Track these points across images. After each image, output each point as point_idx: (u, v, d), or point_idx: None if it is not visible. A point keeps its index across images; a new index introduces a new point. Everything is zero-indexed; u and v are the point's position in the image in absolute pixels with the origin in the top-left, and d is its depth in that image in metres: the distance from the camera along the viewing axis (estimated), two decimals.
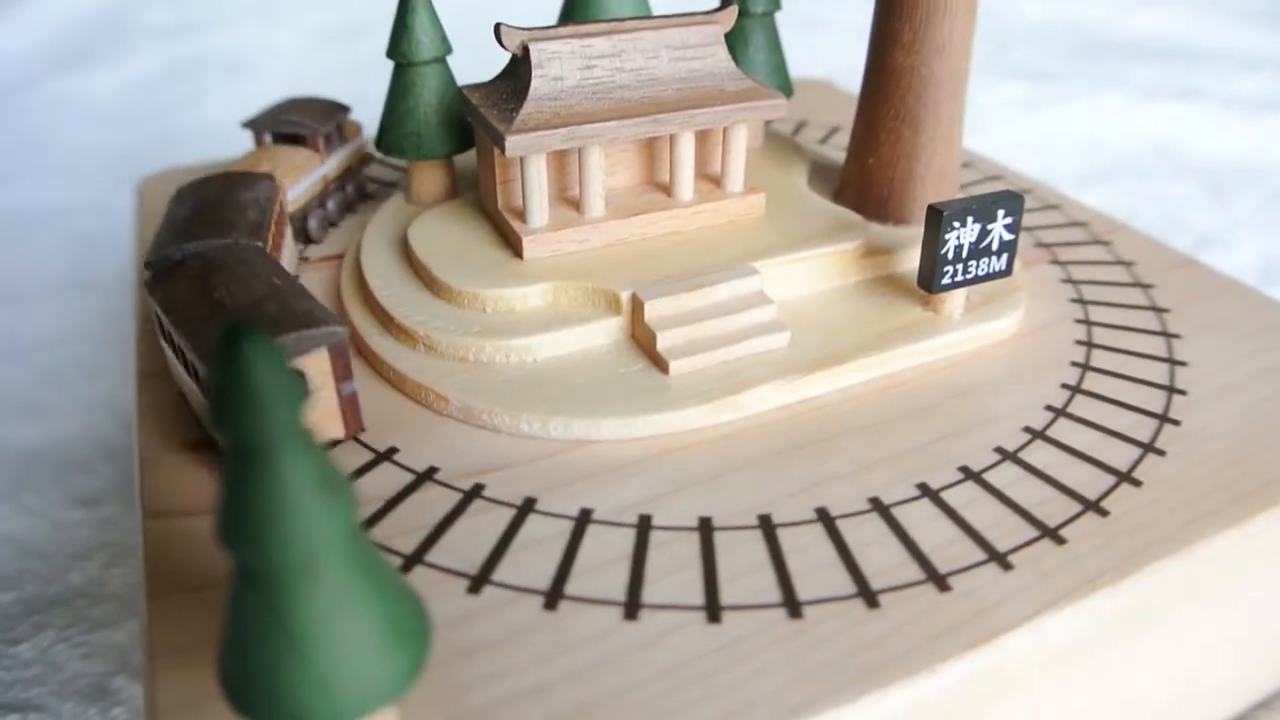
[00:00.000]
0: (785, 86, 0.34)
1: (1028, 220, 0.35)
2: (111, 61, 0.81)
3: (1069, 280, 0.31)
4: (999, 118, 0.67)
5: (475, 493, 0.22)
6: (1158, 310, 0.30)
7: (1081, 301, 0.30)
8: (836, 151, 0.36)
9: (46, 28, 0.87)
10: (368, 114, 0.57)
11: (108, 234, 0.57)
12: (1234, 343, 0.28)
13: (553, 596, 0.19)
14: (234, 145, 0.69)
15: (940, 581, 0.19)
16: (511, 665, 0.18)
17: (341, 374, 0.22)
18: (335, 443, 0.23)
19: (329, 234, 0.33)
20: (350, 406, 0.23)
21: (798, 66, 0.73)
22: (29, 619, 0.32)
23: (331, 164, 0.32)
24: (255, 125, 0.32)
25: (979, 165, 0.40)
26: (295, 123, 0.31)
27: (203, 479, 0.22)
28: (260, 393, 0.13)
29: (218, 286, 0.22)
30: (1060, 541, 0.21)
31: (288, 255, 0.28)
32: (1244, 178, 0.58)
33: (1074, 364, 0.27)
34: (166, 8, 0.92)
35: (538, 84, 0.25)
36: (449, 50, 0.29)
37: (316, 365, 0.21)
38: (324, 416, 0.22)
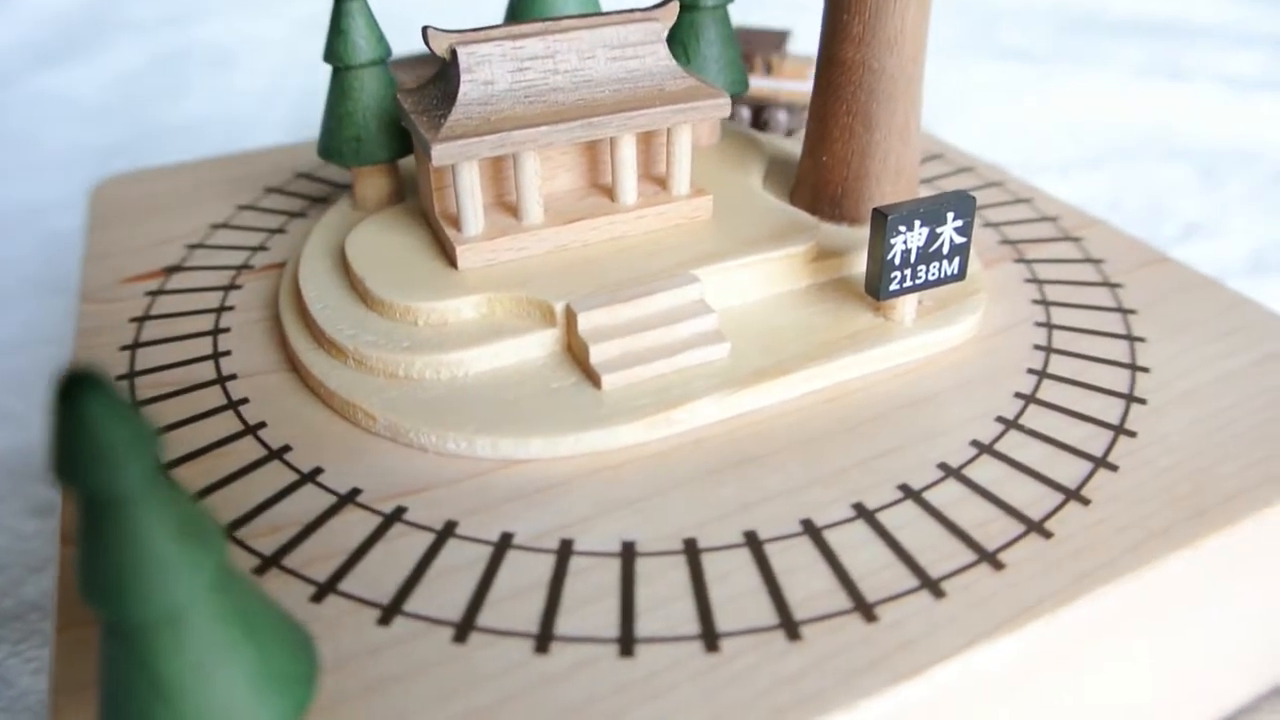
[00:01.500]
0: (740, 81, 0.33)
1: (994, 216, 0.34)
2: (92, 56, 0.81)
3: (1033, 280, 0.30)
4: (982, 100, 0.65)
5: (396, 516, 0.21)
6: (1123, 311, 0.29)
7: (1044, 303, 0.29)
8: (797, 144, 0.35)
9: (27, 22, 0.86)
10: None
11: (79, 234, 0.56)
12: (1199, 345, 0.27)
13: (464, 628, 0.19)
14: (215, 140, 0.68)
15: (867, 611, 0.19)
16: (417, 701, 0.17)
17: None
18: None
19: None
20: None
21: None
22: None
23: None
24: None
25: (950, 156, 0.39)
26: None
27: None
28: (107, 445, 0.12)
29: None
30: (998, 566, 0.20)
31: None
32: (1236, 161, 0.57)
33: (1030, 371, 0.26)
34: (145, 1, 0.91)
35: (466, 89, 0.24)
36: (388, 52, 0.29)
37: None
38: None
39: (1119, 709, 0.23)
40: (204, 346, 0.27)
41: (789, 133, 0.39)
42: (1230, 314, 0.29)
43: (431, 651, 0.18)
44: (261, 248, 0.32)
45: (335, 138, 0.29)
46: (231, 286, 0.30)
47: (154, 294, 0.30)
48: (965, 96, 0.65)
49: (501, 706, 0.17)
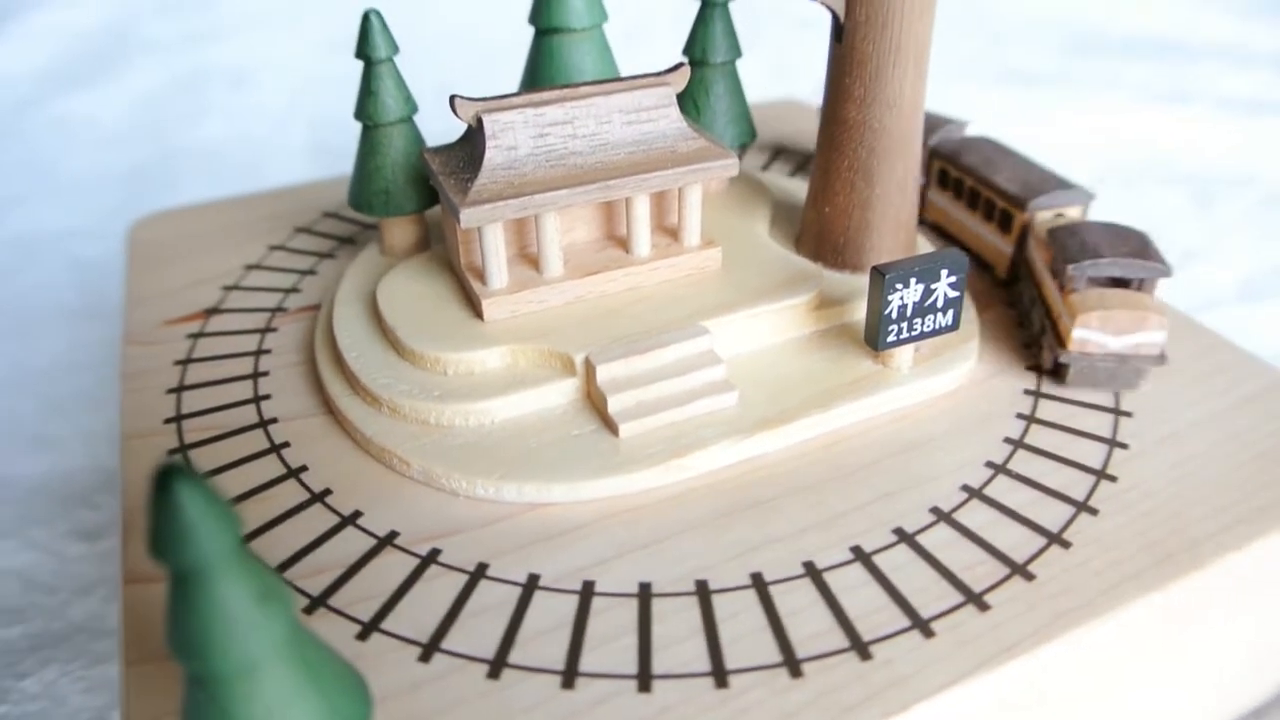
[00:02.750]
0: (747, 133, 0.34)
1: None
2: (112, 79, 0.83)
3: (1024, 324, 0.32)
4: (990, 126, 0.67)
5: (431, 558, 0.23)
6: None
7: (1035, 346, 0.31)
8: (805, 185, 0.37)
9: (48, 44, 0.88)
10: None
11: (108, 261, 0.58)
12: (1181, 388, 0.29)
13: (497, 665, 0.20)
14: (235, 164, 0.70)
15: (863, 650, 0.21)
16: None
17: None
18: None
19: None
20: None
21: (788, 72, 0.73)
22: (35, 654, 0.34)
23: None
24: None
25: None
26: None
27: None
28: (192, 526, 0.14)
29: None
30: (984, 608, 0.22)
31: None
32: (1231, 185, 0.58)
33: (1019, 416, 0.28)
34: (166, 20, 0.93)
35: (492, 154, 0.26)
36: (414, 110, 0.30)
37: None
38: None
39: None
40: (245, 390, 0.29)
41: None
42: (1210, 355, 0.31)
43: (468, 687, 0.20)
44: (294, 289, 0.34)
45: (365, 190, 0.31)
46: (268, 329, 0.32)
47: (195, 336, 0.32)
48: (974, 122, 0.67)
49: None
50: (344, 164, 0.72)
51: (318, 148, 0.71)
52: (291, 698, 0.16)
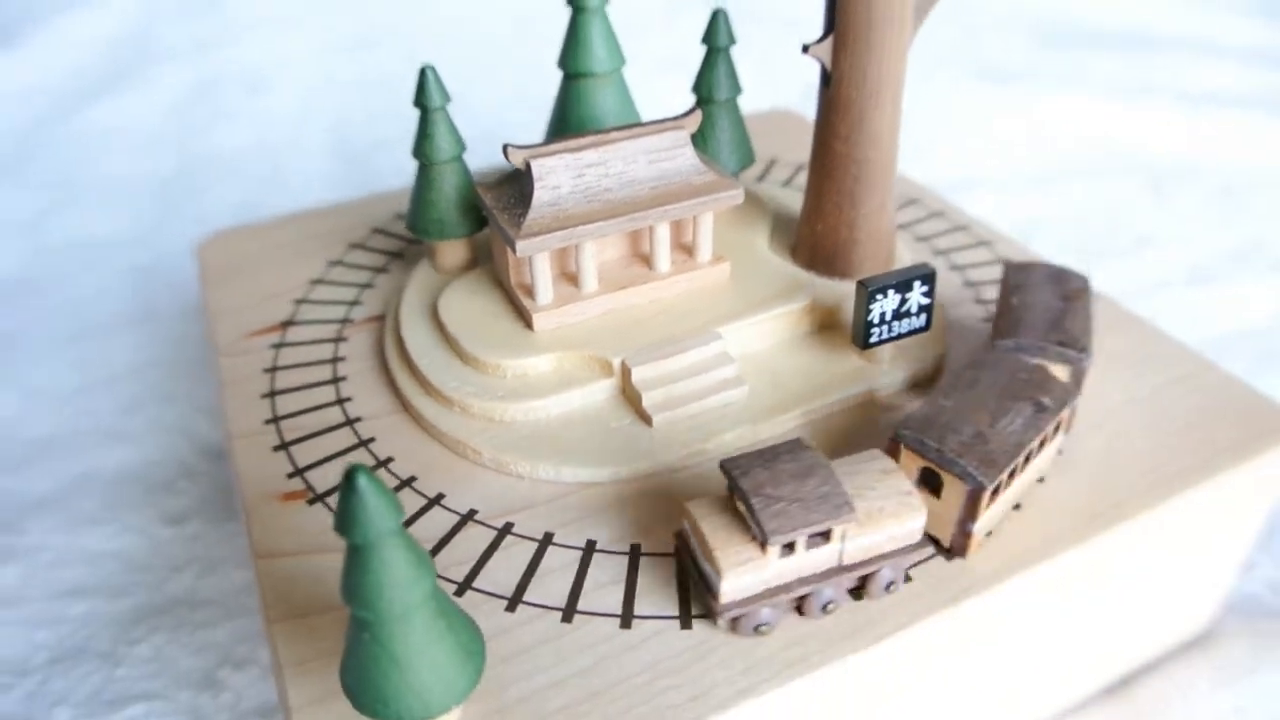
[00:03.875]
0: (747, 158, 0.40)
1: (959, 259, 0.41)
2: (135, 86, 0.86)
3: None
4: (966, 120, 0.72)
5: (506, 530, 0.28)
6: None
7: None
8: (798, 194, 0.42)
9: (70, 52, 0.91)
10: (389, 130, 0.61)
11: (156, 266, 0.63)
12: (1117, 374, 0.34)
13: (568, 612, 0.26)
14: (260, 168, 0.74)
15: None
16: (539, 666, 0.25)
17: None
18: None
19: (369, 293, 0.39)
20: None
21: (776, 70, 0.78)
22: (143, 623, 0.40)
23: None
24: None
25: (925, 201, 0.46)
26: None
27: (295, 525, 0.29)
28: (370, 512, 0.19)
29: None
30: (949, 556, 0.27)
31: None
32: (1184, 176, 0.64)
33: None
34: (179, 25, 0.96)
35: (539, 193, 0.31)
36: (463, 150, 0.35)
37: None
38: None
39: (1043, 660, 0.31)
40: (329, 394, 0.34)
41: None
42: (1144, 344, 0.36)
43: (548, 630, 0.25)
44: (356, 302, 0.39)
45: (423, 218, 0.36)
46: (339, 339, 0.37)
47: (277, 346, 0.37)
48: (950, 118, 0.72)
49: (599, 666, 0.25)
50: (362, 167, 0.77)
51: (335, 151, 0.76)
52: (432, 636, 0.21)
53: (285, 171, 0.74)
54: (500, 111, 0.80)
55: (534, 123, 0.81)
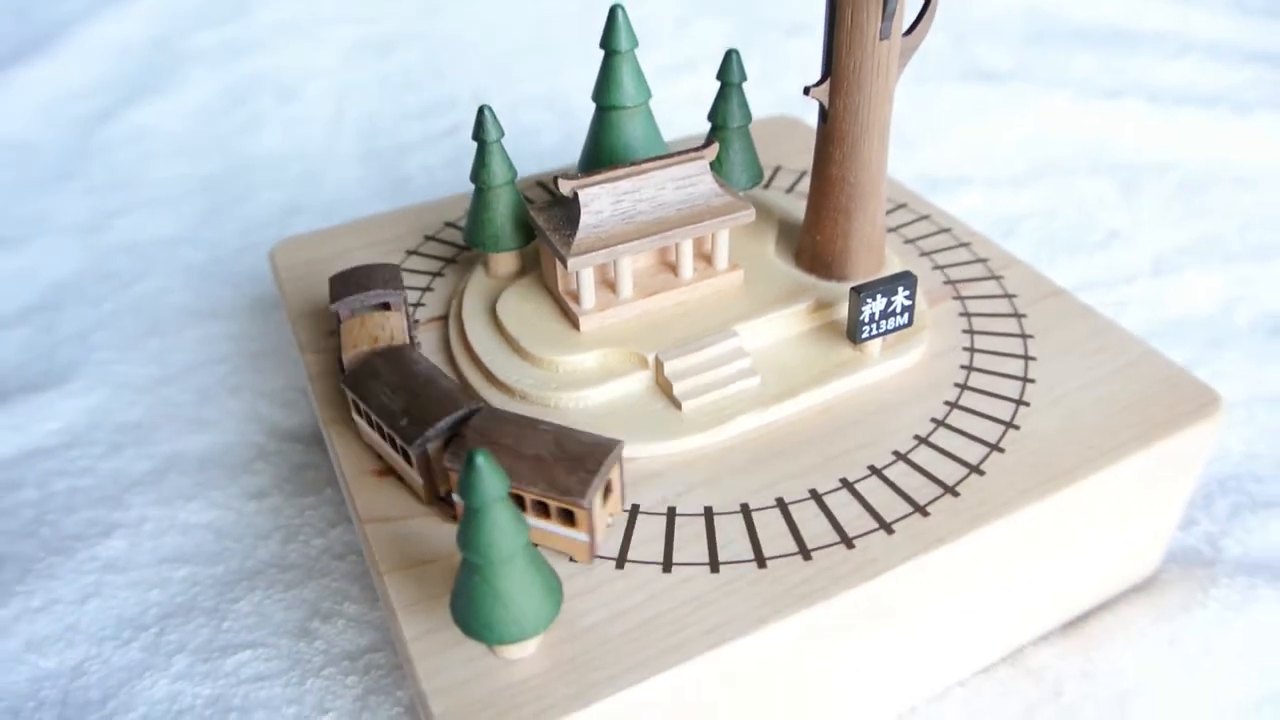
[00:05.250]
0: (757, 175, 0.45)
1: (940, 259, 0.47)
2: (172, 90, 0.92)
3: (965, 314, 0.43)
4: (954, 121, 0.78)
5: None
6: (1024, 336, 0.42)
7: (971, 332, 0.42)
8: (800, 200, 0.48)
9: (107, 57, 0.96)
10: (412, 135, 0.67)
11: (211, 264, 0.69)
12: (1074, 361, 0.41)
13: (620, 560, 0.32)
14: (295, 171, 0.80)
15: (848, 542, 0.33)
16: (601, 601, 0.31)
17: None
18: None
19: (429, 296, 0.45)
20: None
21: (778, 74, 0.84)
22: (240, 584, 0.46)
23: None
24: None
25: (913, 205, 0.52)
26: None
27: (390, 496, 0.35)
28: (486, 482, 0.25)
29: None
30: (926, 514, 0.34)
31: None
32: (1152, 174, 0.70)
33: (956, 385, 0.39)
34: (207, 30, 1.01)
35: (586, 218, 0.37)
36: (515, 176, 0.41)
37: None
38: None
39: (1006, 601, 0.37)
40: None
41: None
42: (1098, 336, 0.42)
43: (602, 573, 0.32)
44: (419, 304, 0.45)
45: (480, 234, 0.42)
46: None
47: None
48: (940, 120, 0.77)
49: (647, 602, 0.31)
50: (392, 171, 0.82)
51: (368, 154, 0.81)
52: (526, 577, 0.27)
53: (320, 174, 0.79)
54: (518, 112, 0.85)
55: (551, 122, 0.87)
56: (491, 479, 0.25)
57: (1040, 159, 0.73)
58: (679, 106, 0.82)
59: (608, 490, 0.32)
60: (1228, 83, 0.81)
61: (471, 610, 0.28)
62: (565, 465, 0.30)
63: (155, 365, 0.59)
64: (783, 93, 0.84)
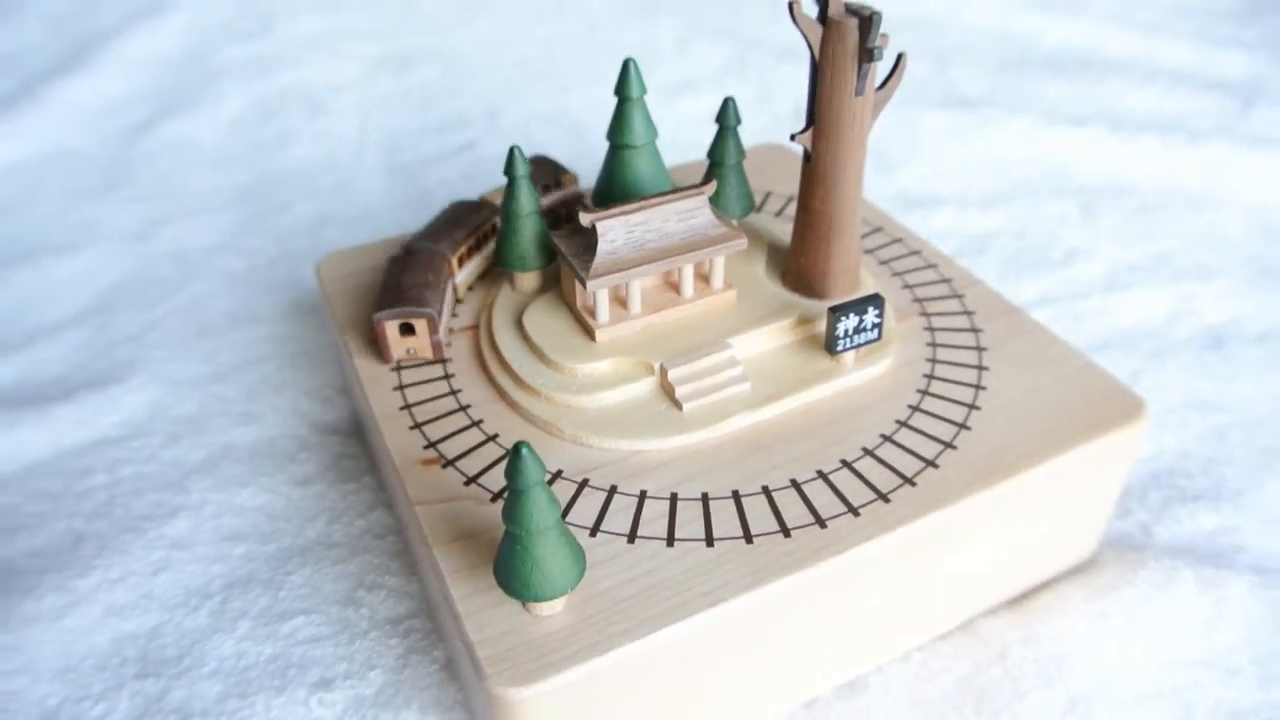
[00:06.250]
0: (749, 205, 0.52)
1: (910, 279, 0.54)
2: (206, 103, 0.97)
3: (929, 329, 0.50)
4: (932, 145, 0.84)
5: (585, 484, 0.41)
6: (979, 349, 0.48)
7: (934, 345, 0.49)
8: (788, 225, 0.54)
9: (143, 70, 1.02)
10: (438, 145, 0.73)
11: (250, 272, 0.75)
12: (1021, 372, 0.47)
13: (631, 536, 0.39)
14: (326, 183, 0.86)
15: (822, 523, 0.39)
16: (615, 569, 0.37)
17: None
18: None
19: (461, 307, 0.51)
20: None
21: (769, 96, 0.91)
22: (292, 559, 0.52)
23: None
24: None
25: (887, 229, 0.58)
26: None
27: (435, 482, 0.42)
28: (529, 469, 0.32)
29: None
30: (888, 501, 0.40)
31: None
32: (1111, 196, 0.76)
33: (918, 391, 0.46)
34: (237, 45, 1.07)
35: (603, 246, 0.44)
36: (540, 207, 0.47)
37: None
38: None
39: (959, 578, 0.44)
40: (443, 386, 0.47)
41: None
42: (1044, 350, 0.49)
43: (617, 549, 0.38)
44: (454, 314, 0.52)
45: (510, 255, 0.48)
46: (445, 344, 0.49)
47: None
48: (920, 144, 0.84)
49: (654, 570, 0.37)
50: (415, 185, 0.88)
51: (392, 168, 0.87)
52: (558, 546, 0.34)
53: (348, 186, 0.85)
54: (529, 129, 0.92)
55: (560, 139, 0.93)
56: (533, 466, 0.32)
57: (1010, 181, 0.79)
58: (680, 125, 0.88)
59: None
60: (1187, 109, 0.87)
61: (511, 573, 0.34)
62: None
63: (206, 364, 0.65)
64: (776, 112, 0.91)
